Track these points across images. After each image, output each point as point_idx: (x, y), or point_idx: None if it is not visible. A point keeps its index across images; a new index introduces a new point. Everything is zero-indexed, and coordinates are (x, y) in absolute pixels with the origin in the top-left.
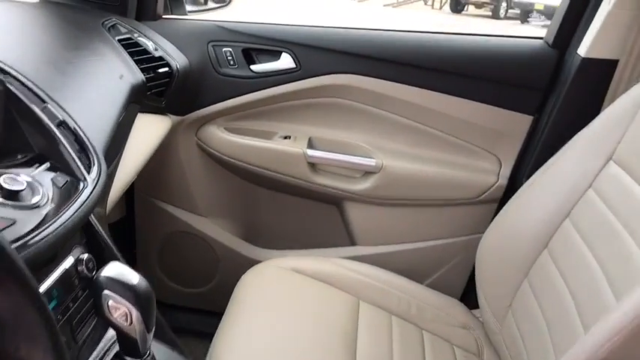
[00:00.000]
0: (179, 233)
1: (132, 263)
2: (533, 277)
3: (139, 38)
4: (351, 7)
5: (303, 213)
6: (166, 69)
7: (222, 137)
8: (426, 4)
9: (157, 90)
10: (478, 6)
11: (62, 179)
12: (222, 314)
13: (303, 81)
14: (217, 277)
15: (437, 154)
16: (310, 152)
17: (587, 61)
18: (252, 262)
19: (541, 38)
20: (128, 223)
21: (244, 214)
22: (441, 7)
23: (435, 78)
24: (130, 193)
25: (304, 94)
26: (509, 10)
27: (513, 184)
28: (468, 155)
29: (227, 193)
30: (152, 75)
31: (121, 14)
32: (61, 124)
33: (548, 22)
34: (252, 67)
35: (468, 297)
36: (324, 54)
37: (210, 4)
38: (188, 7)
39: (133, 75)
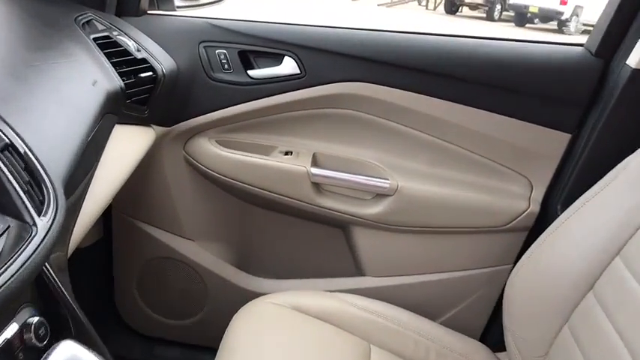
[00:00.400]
0: (163, 259)
1: (109, 292)
2: (576, 323)
3: (118, 37)
4: (344, 5)
5: (304, 238)
6: (150, 73)
7: (213, 152)
8: (420, 4)
9: (139, 98)
10: (472, 7)
11: (1, 225)
12: (211, 350)
13: (308, 89)
14: (206, 308)
15: (460, 175)
16: (314, 171)
17: (637, 73)
18: (245, 293)
19: (581, 45)
20: (105, 247)
21: (237, 239)
22: (435, 8)
23: (459, 88)
24: (107, 212)
25: (309, 104)
26: (504, 13)
27: (546, 211)
28: (495, 177)
29: (218, 214)
30: (133, 80)
31: (98, 8)
32: (7, 149)
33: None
34: (250, 72)
35: (490, 336)
36: (333, 58)
37: (203, 0)
38: (177, 3)
39: (110, 80)
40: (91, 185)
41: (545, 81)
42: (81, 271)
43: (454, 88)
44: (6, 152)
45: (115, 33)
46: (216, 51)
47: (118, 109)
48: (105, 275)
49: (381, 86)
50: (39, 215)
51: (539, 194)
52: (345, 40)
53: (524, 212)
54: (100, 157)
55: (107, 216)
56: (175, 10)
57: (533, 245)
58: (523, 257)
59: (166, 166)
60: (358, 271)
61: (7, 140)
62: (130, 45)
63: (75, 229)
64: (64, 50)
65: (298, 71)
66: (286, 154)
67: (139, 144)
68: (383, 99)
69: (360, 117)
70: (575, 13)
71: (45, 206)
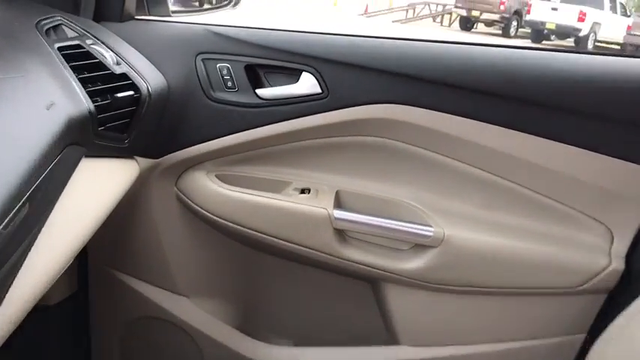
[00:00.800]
0: (150, 319)
1: (85, 357)
2: None
3: (92, 46)
4: (359, 22)
5: (324, 296)
6: (130, 93)
7: (212, 189)
8: (434, 21)
9: (117, 124)
10: (488, 24)
11: None
12: None
13: (331, 113)
14: None
15: (522, 222)
16: (338, 213)
17: None
18: None
19: None
20: (80, 303)
21: (241, 295)
22: (450, 25)
23: (521, 112)
24: (82, 261)
25: (332, 131)
26: (520, 29)
27: (631, 269)
28: (567, 225)
29: (217, 264)
30: (108, 101)
31: (70, 11)
32: None
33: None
34: (259, 91)
35: None
36: (362, 75)
37: (207, 5)
38: (173, 7)
39: (74, 102)
40: (49, 236)
41: (632, 104)
42: (49, 332)
43: (515, 112)
44: None
45: (88, 42)
46: (218, 65)
47: (85, 139)
48: (80, 337)
49: (423, 109)
50: None
51: (622, 247)
52: (377, 52)
53: (603, 270)
54: (55, 202)
55: (83, 266)
56: (170, 16)
57: (623, 315)
58: (609, 329)
59: (154, 207)
60: (391, 338)
61: None
62: (108, 57)
63: (17, 297)
64: (12, 62)
65: (319, 90)
66: (302, 192)
67: (117, 181)
68: (425, 125)
69: (397, 147)
70: (592, 30)
71: None
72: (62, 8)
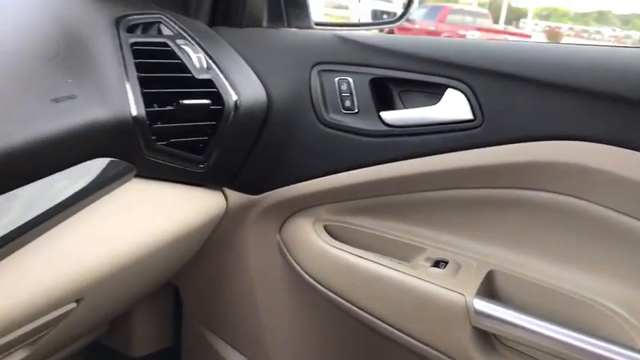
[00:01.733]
0: None
1: None
2: None
3: (182, 47)
4: None
5: None
6: (206, 101)
7: (316, 246)
8: None
9: (188, 140)
10: None
11: None
12: None
13: (487, 150)
14: None
15: None
16: (481, 305)
17: None
18: None
19: None
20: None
21: None
22: None
23: None
24: (177, 313)
25: (488, 178)
26: None
27: None
28: None
29: (326, 342)
30: (171, 108)
31: (182, 12)
32: None
33: None
34: (385, 114)
35: None
36: (538, 95)
37: (363, 18)
38: (318, 19)
39: (110, 102)
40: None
41: None
42: None
43: None
44: None
45: (179, 41)
46: (337, 78)
47: (131, 153)
48: None
49: None
50: None
51: None
52: (564, 62)
53: None
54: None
55: (177, 318)
56: (313, 29)
57: None
58: None
59: (251, 257)
60: None
61: None
62: (194, 59)
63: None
64: (49, 43)
65: (470, 115)
66: (437, 264)
67: (188, 213)
68: None
69: (595, 214)
70: None
71: None
72: (172, 8)
